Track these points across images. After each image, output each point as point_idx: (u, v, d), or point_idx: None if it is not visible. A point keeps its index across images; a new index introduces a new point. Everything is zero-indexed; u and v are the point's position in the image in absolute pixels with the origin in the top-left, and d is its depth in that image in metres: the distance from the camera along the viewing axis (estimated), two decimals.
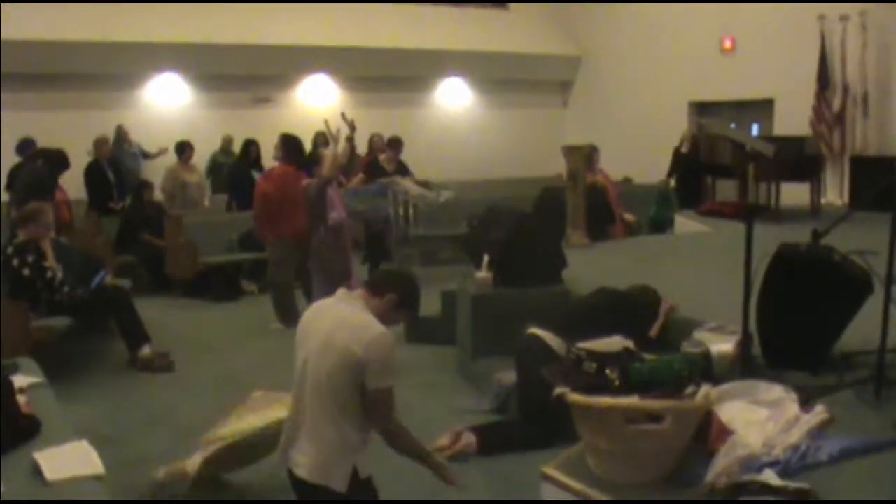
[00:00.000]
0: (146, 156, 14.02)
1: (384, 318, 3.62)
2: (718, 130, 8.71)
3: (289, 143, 9.53)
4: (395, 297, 3.66)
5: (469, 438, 5.63)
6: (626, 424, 3.52)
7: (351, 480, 3.52)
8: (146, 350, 7.83)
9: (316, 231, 8.70)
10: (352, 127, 9.61)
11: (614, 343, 4.02)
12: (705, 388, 3.64)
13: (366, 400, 3.48)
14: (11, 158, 11.46)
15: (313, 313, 3.72)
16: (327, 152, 8.90)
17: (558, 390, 3.64)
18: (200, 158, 13.99)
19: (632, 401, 3.54)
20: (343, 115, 9.56)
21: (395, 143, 12.46)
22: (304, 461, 3.55)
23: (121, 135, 13.71)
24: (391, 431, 3.60)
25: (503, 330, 6.65)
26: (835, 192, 12.96)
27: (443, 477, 3.82)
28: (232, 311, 10.31)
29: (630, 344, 4.07)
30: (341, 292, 3.75)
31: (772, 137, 12.62)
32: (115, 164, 12.79)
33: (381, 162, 12.24)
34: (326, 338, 3.51)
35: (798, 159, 11.40)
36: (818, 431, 4.05)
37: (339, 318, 3.54)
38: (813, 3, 13.10)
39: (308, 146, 9.87)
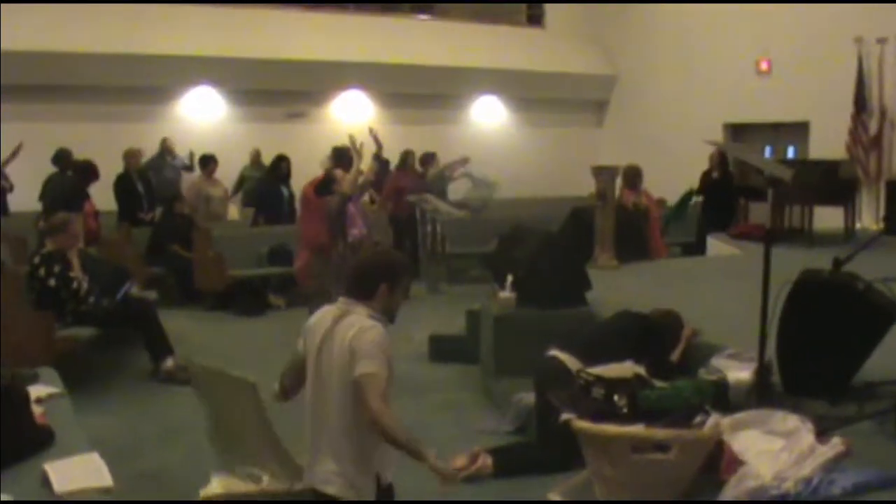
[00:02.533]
0: (188, 168, 14.05)
1: (389, 308, 3.61)
2: (738, 154, 8.59)
3: (340, 155, 9.55)
4: (384, 285, 3.60)
5: (485, 460, 5.60)
6: (632, 453, 3.47)
7: (377, 488, 3.53)
8: (169, 362, 7.85)
9: (335, 247, 8.69)
10: (379, 144, 9.62)
11: (625, 369, 3.97)
12: (715, 418, 3.58)
13: (355, 390, 3.43)
14: (44, 169, 11.56)
15: (317, 329, 3.67)
16: (341, 172, 8.89)
17: (564, 416, 3.59)
18: (232, 173, 14.06)
19: (638, 429, 3.48)
20: (371, 131, 9.57)
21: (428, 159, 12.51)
22: (330, 478, 3.54)
23: (165, 147, 13.80)
24: (378, 420, 3.39)
25: (525, 350, 6.57)
26: (870, 216, 12.78)
27: (437, 474, 3.53)
28: (259, 326, 10.32)
29: (641, 370, 4.01)
30: (343, 302, 3.67)
31: (804, 160, 12.52)
32: (145, 176, 12.85)
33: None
34: (331, 352, 3.50)
35: (832, 182, 11.25)
36: (833, 464, 3.97)
37: (341, 334, 3.52)
38: (850, 25, 12.96)
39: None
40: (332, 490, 3.54)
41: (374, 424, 3.42)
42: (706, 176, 13.44)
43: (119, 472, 4.05)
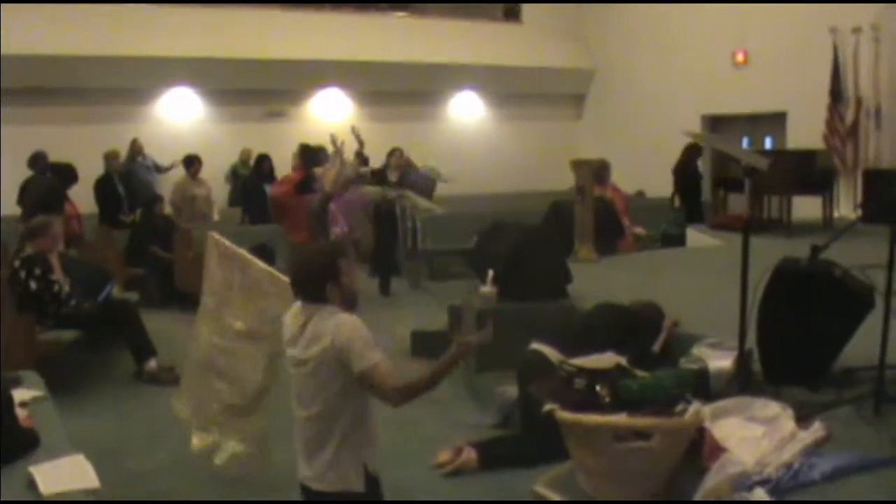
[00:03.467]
0: (159, 169, 14.08)
1: (346, 297, 3.61)
2: (714, 144, 8.67)
3: (306, 153, 9.54)
4: (330, 283, 3.59)
5: (469, 454, 5.60)
6: (614, 442, 3.50)
7: (365, 478, 3.54)
8: (152, 363, 7.84)
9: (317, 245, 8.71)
10: (360, 142, 9.62)
11: (606, 360, 4.00)
12: (695, 406, 3.62)
13: (362, 385, 3.45)
14: (24, 172, 11.51)
15: (289, 330, 3.70)
16: (320, 171, 8.90)
17: (547, 407, 3.62)
18: (214, 172, 14.05)
19: (619, 418, 3.52)
20: (353, 129, 9.55)
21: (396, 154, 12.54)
22: (317, 473, 3.55)
23: (135, 148, 13.77)
24: (401, 397, 3.48)
25: (507, 345, 6.57)
26: (848, 205, 12.87)
27: (469, 350, 3.62)
28: None
29: (623, 360, 4.05)
30: (305, 308, 3.66)
31: (782, 150, 12.59)
32: (127, 178, 12.85)
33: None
34: (306, 350, 3.53)
35: (809, 172, 11.34)
36: (813, 449, 4.02)
37: (315, 331, 3.54)
38: (825, 15, 13.05)
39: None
40: (321, 486, 3.55)
41: (403, 403, 3.49)
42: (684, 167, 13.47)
43: (104, 473, 4.05)
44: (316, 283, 3.59)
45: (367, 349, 3.44)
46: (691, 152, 13.21)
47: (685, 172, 13.36)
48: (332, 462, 3.52)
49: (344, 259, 3.67)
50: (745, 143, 15.20)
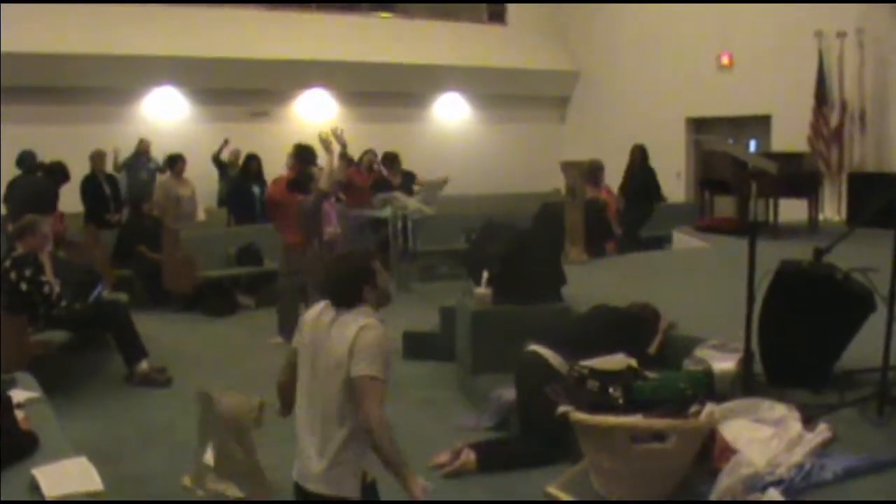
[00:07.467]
0: (161, 170, 13.93)
1: (380, 298, 3.67)
2: (720, 147, 8.71)
3: (300, 153, 9.47)
4: (366, 286, 3.62)
5: (468, 456, 5.59)
6: (631, 443, 3.50)
7: (361, 486, 3.52)
8: (144, 365, 7.77)
9: (311, 245, 8.64)
10: (343, 143, 9.53)
11: (617, 361, 4.00)
12: (709, 407, 3.62)
13: (352, 388, 3.44)
14: (11, 171, 11.38)
15: (314, 324, 3.68)
16: (318, 169, 8.84)
17: (562, 408, 3.61)
18: (197, 172, 13.96)
19: (636, 419, 3.52)
20: (334, 131, 9.46)
21: (392, 159, 12.50)
22: (315, 474, 3.53)
23: (142, 148, 13.65)
24: (376, 425, 3.41)
25: (503, 346, 6.56)
26: (832, 208, 12.96)
27: (408, 489, 3.45)
28: (229, 326, 10.26)
29: (633, 362, 4.04)
30: (336, 309, 3.67)
31: (769, 153, 12.64)
32: (112, 178, 12.77)
33: (386, 177, 12.26)
34: (328, 349, 3.51)
35: (795, 175, 11.37)
36: (821, 450, 4.03)
37: (340, 331, 3.53)
38: (810, 19, 13.13)
39: None
40: (317, 489, 3.54)
41: (367, 430, 3.44)
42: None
43: (100, 476, 4.00)
44: (353, 285, 3.61)
45: (375, 360, 3.44)
46: (638, 152, 13.18)
47: (635, 177, 13.22)
48: (333, 465, 3.51)
49: (376, 261, 3.69)
50: None
